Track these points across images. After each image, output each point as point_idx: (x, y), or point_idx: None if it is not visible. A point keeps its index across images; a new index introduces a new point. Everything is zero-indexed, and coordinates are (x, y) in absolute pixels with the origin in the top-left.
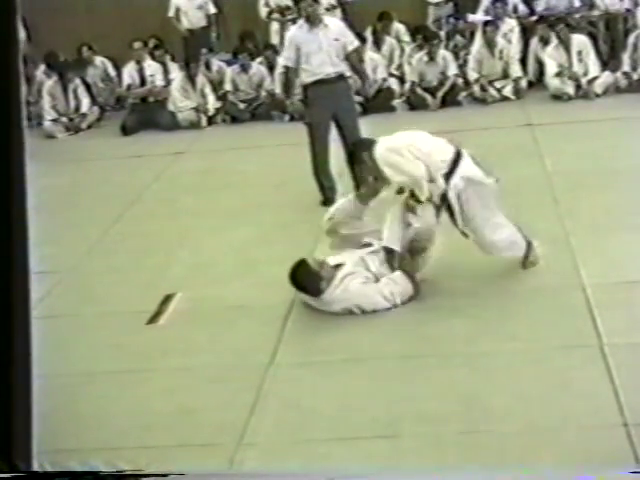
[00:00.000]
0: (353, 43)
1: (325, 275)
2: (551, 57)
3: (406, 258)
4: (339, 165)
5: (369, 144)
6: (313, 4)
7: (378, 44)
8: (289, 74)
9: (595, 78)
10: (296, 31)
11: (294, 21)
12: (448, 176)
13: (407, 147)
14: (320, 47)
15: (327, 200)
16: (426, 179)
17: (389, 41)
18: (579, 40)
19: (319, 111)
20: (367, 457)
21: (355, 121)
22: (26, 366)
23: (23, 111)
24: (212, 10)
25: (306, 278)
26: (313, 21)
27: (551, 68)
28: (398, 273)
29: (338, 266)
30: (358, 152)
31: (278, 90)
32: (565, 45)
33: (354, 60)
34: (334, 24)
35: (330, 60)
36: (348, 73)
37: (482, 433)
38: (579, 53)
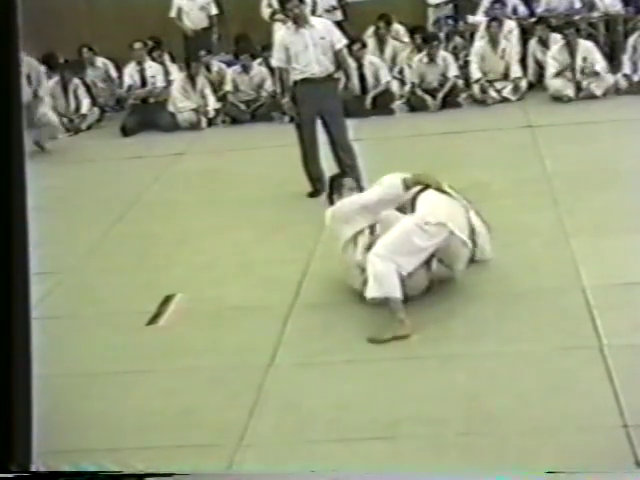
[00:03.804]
0: (341, 41)
1: (335, 193)
2: (554, 59)
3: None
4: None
5: None
6: (299, 5)
7: (381, 47)
8: (282, 74)
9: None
10: (284, 32)
11: None
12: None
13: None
14: (306, 47)
15: (315, 192)
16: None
17: (392, 43)
18: (585, 46)
19: (306, 109)
20: (367, 458)
21: (341, 121)
22: (26, 366)
23: (23, 111)
24: (214, 11)
25: (329, 182)
26: (299, 22)
27: (553, 69)
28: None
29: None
30: None
31: (279, 90)
32: (571, 49)
33: (340, 58)
34: (320, 23)
35: (316, 59)
36: (336, 74)
37: (482, 434)
38: (584, 59)
